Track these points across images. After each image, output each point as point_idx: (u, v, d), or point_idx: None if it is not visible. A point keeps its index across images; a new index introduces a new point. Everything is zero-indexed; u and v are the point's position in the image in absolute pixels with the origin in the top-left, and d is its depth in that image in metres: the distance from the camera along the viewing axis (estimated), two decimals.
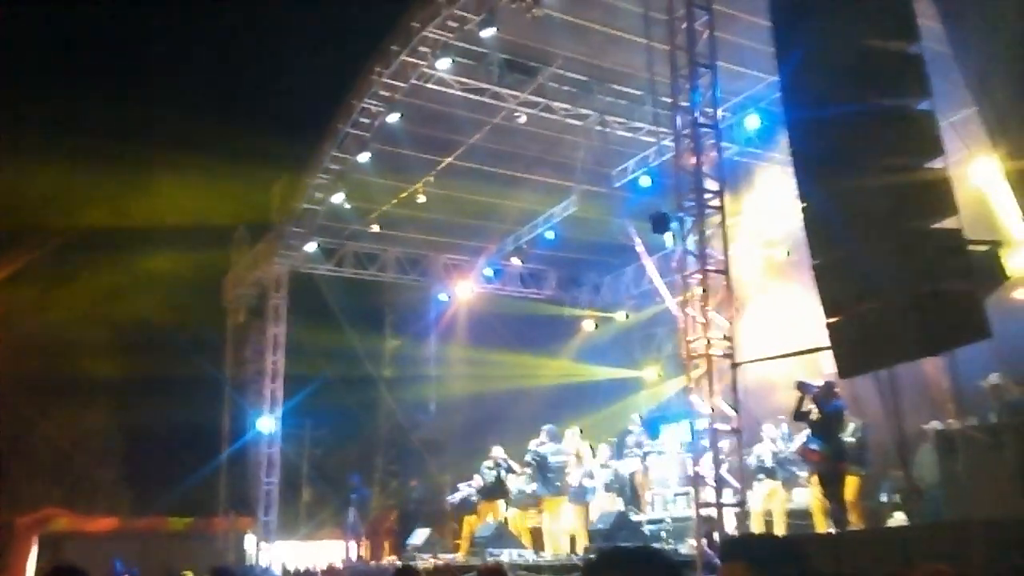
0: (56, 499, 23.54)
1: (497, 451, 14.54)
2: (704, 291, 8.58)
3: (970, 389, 10.37)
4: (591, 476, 13.60)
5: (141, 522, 22.74)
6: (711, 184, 9.07)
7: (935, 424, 10.69)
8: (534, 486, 13.80)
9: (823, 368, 13.40)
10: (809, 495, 11.26)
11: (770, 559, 2.12)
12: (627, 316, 20.10)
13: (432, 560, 13.14)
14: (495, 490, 14.42)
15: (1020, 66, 7.90)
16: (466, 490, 15.40)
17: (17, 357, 22.89)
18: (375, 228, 17.93)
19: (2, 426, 23.14)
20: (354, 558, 17.53)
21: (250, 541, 19.50)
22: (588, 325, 20.70)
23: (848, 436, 9.98)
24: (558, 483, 13.50)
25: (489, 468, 14.49)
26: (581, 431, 14.41)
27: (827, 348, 7.19)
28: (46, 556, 20.85)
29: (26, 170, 21.83)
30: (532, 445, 13.74)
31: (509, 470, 14.34)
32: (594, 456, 14.02)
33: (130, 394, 23.58)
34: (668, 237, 9.46)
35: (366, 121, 15.43)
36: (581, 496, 13.44)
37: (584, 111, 14.97)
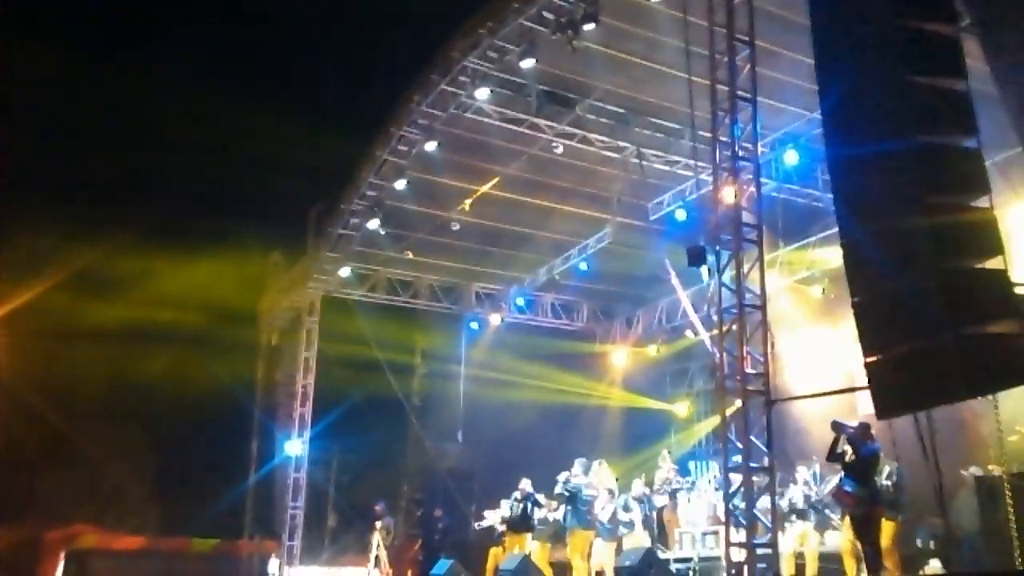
0: (86, 515, 23.68)
1: (525, 484, 14.38)
2: (741, 327, 8.47)
3: (1011, 435, 10.14)
4: (627, 509, 13.38)
5: (167, 542, 22.78)
6: (749, 218, 8.98)
7: (974, 470, 10.46)
8: (560, 518, 13.64)
9: (859, 409, 13.31)
10: (841, 539, 11.03)
11: None
12: (658, 350, 19.93)
13: None
14: (521, 523, 14.24)
15: None
16: (492, 517, 15.23)
17: (52, 371, 23.20)
18: (409, 255, 17.99)
19: (36, 440, 23.40)
20: None
21: (274, 565, 19.45)
22: (619, 358, 20.54)
23: (883, 479, 9.76)
24: (588, 517, 13.30)
25: (517, 501, 14.33)
26: (607, 464, 14.18)
27: (865, 388, 7.04)
28: (71, 572, 20.96)
29: (53, 183, 22.19)
30: (562, 477, 13.56)
31: (536, 504, 14.17)
32: (618, 491, 13.77)
33: (163, 412, 23.73)
34: (704, 271, 9.36)
35: (404, 149, 15.54)
36: (614, 531, 13.21)
37: (621, 143, 15.00)
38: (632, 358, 20.46)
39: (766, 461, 8.43)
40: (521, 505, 14.21)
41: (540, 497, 14.19)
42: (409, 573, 19.64)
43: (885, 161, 7.02)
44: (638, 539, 13.31)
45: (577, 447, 17.08)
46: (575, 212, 17.10)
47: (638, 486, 13.89)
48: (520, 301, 20.40)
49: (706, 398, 19.58)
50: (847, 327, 14.63)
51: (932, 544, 11.07)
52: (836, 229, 15.21)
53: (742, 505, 8.43)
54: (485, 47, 13.23)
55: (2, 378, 20.74)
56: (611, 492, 13.55)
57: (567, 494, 13.33)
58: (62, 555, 21.57)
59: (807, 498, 11.40)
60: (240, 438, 21.89)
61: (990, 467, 9.65)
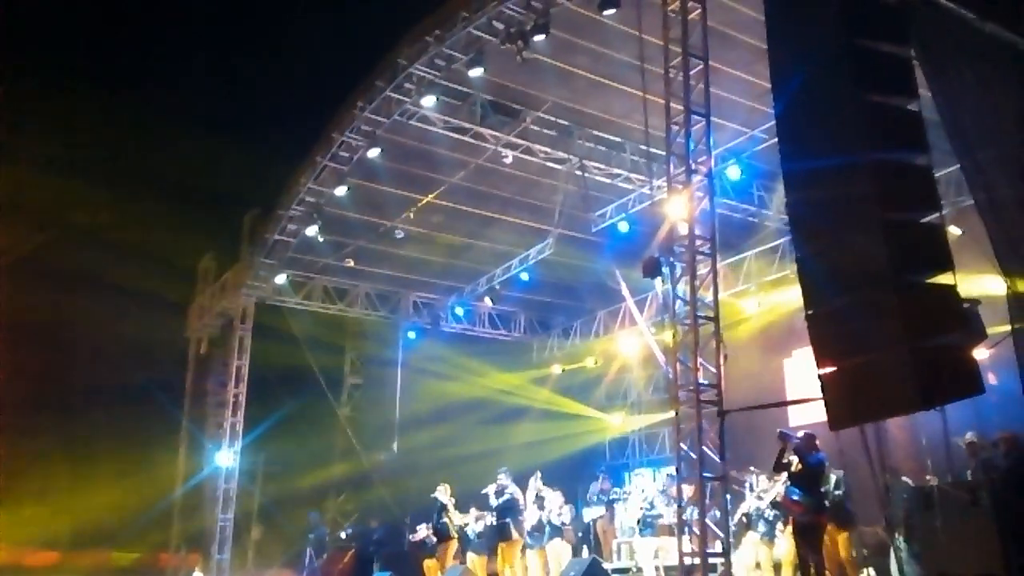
0: None
1: (439, 491, 14.33)
2: (695, 338, 8.57)
3: (942, 447, 10.49)
4: (559, 518, 13.34)
5: (83, 556, 21.96)
6: (701, 231, 9.12)
7: (906, 480, 10.76)
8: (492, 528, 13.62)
9: (791, 421, 13.62)
10: (783, 548, 11.22)
11: None
12: (596, 362, 20.06)
13: None
14: (441, 531, 14.21)
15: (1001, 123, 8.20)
16: (424, 531, 15.12)
17: None
18: (350, 263, 17.73)
19: None
20: None
21: None
22: (556, 369, 20.62)
23: (832, 488, 9.97)
24: (517, 528, 13.25)
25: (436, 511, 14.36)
26: (541, 475, 14.14)
27: (818, 399, 7.17)
28: None
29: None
30: (492, 488, 13.49)
31: (443, 509, 14.15)
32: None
33: (78, 422, 22.87)
34: (658, 283, 9.46)
35: (346, 155, 15.34)
36: (539, 540, 13.16)
37: (564, 155, 15.05)
38: (568, 369, 20.54)
39: (720, 471, 8.49)
40: (434, 513, 14.34)
41: (448, 502, 14.20)
42: None
43: (839, 176, 7.18)
44: (564, 548, 13.24)
45: (513, 456, 17.07)
46: (517, 223, 17.12)
47: (557, 498, 13.57)
48: (459, 311, 20.33)
49: (640, 409, 19.80)
50: (783, 340, 15.17)
51: (865, 552, 11.34)
52: (771, 244, 15.78)
53: (695, 515, 8.52)
54: (432, 55, 13.16)
55: None
56: (540, 501, 13.49)
57: (502, 505, 13.29)
58: None
59: (755, 508, 11.55)
60: (166, 447, 21.27)
61: (928, 477, 9.95)
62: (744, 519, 11.65)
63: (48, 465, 24.42)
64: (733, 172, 14.42)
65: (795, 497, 9.43)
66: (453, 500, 14.20)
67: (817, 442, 9.54)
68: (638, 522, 13.78)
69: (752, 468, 12.13)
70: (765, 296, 16.12)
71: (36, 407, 23.21)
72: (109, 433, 22.49)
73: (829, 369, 7.01)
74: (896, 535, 9.31)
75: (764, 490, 11.46)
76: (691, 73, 9.49)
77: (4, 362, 22.40)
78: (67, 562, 21.64)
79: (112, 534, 22.14)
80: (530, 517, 13.26)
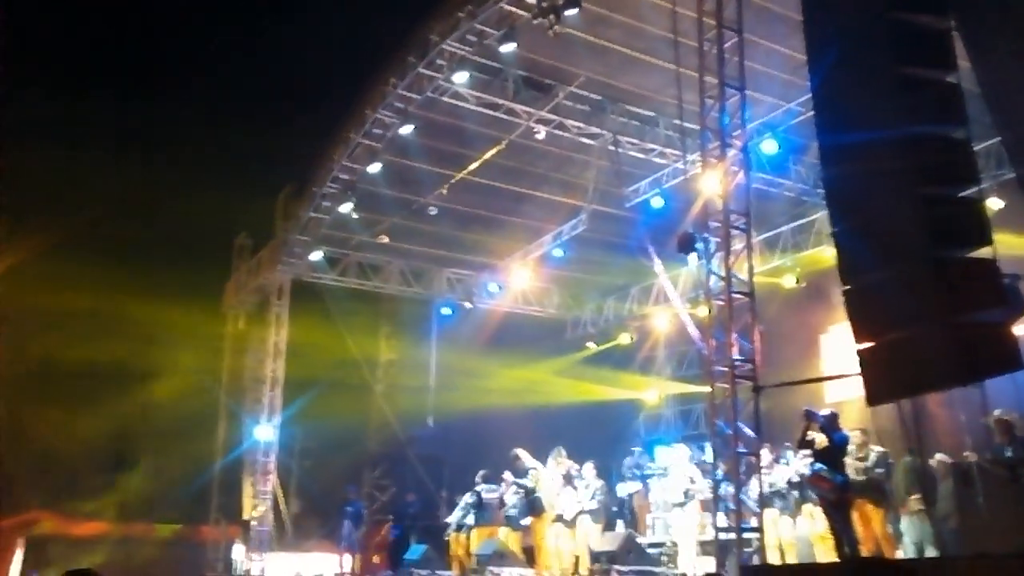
0: (42, 502, 23.26)
1: (479, 478, 14.88)
2: (729, 313, 8.54)
3: (981, 424, 10.37)
4: (587, 491, 13.42)
5: (127, 528, 22.47)
6: (736, 206, 9.06)
7: (942, 457, 10.67)
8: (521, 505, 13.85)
9: (826, 397, 13.54)
10: (812, 524, 11.20)
11: None
12: (631, 338, 20.04)
13: None
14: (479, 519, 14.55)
15: None
16: (459, 512, 15.27)
17: (11, 355, 22.66)
18: (384, 239, 17.80)
19: None
20: (348, 571, 17.35)
21: (239, 551, 19.28)
22: (590, 346, 20.63)
23: (872, 465, 9.93)
24: (541, 505, 13.34)
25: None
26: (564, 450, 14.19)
27: (856, 374, 7.14)
28: (31, 559, 20.61)
29: (25, 165, 21.64)
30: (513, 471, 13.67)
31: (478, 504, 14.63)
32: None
33: (121, 399, 23.33)
34: (692, 258, 9.42)
35: (379, 132, 15.37)
36: (576, 515, 13.25)
37: (597, 130, 14.97)
38: (603, 345, 20.55)
39: (755, 447, 8.49)
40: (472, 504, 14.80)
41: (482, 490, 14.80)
42: (376, 558, 19.59)
43: (876, 150, 7.09)
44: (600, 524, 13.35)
45: (547, 432, 17.17)
46: (549, 198, 17.09)
47: (590, 470, 13.72)
48: (493, 287, 20.36)
49: (675, 385, 19.79)
50: (820, 316, 15.05)
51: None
52: (807, 219, 15.63)
53: (730, 490, 8.54)
54: (464, 30, 13.10)
55: None
56: (566, 478, 13.59)
57: (530, 483, 13.42)
58: (21, 542, 21.21)
59: (772, 484, 11.49)
60: (205, 422, 21.65)
61: (965, 454, 9.86)
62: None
63: (92, 443, 25.00)
64: (768, 146, 14.23)
65: (824, 474, 9.42)
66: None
67: (840, 420, 9.52)
68: (684, 495, 13.74)
69: (787, 444, 12.08)
70: (801, 271, 15.97)
71: (75, 388, 23.72)
72: (150, 407, 22.97)
73: (867, 344, 6.97)
74: (935, 512, 9.27)
75: (769, 464, 11.32)
76: (725, 46, 9.41)
77: (41, 345, 22.91)
78: (112, 533, 22.13)
79: (154, 507, 22.65)
80: (556, 492, 13.35)
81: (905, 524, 10.44)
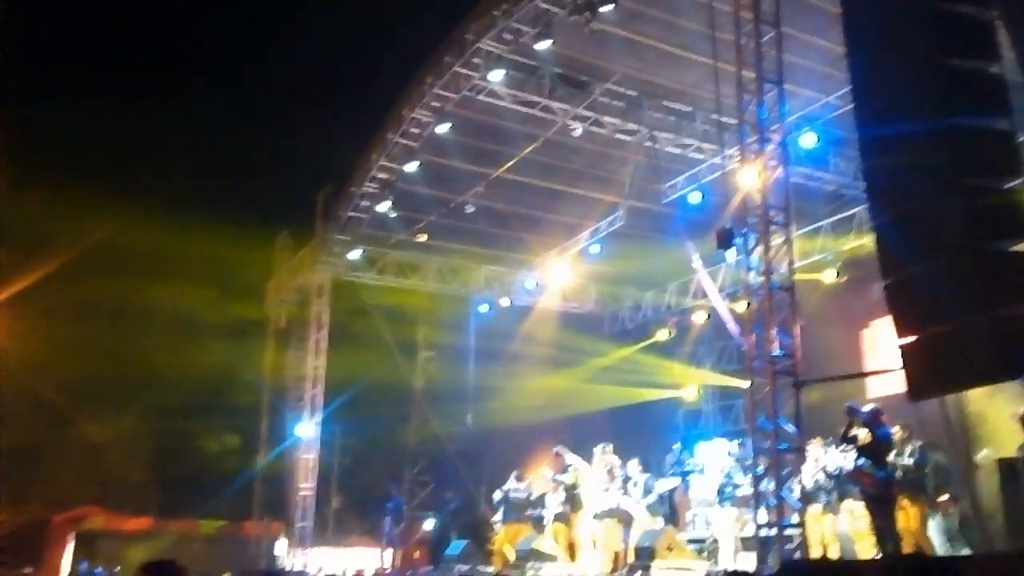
0: (89, 497, 23.78)
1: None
2: (769, 308, 8.51)
3: None
4: (635, 489, 13.47)
5: (173, 523, 22.89)
6: (775, 201, 9.01)
7: (987, 453, 10.52)
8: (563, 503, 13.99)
9: (868, 392, 13.40)
10: (849, 520, 11.11)
11: None
12: (669, 334, 19.99)
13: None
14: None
15: None
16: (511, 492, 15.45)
17: (55, 354, 23.17)
18: (422, 238, 17.92)
19: (39, 422, 23.41)
20: (388, 566, 17.53)
21: (281, 546, 19.54)
22: (627, 341, 20.60)
23: (906, 459, 9.83)
24: (580, 501, 13.42)
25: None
26: (610, 447, 14.24)
27: (897, 369, 7.08)
28: (80, 553, 21.09)
29: (61, 166, 22.13)
30: (556, 467, 13.74)
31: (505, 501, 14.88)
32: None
33: (166, 396, 23.76)
34: (731, 253, 9.39)
35: (416, 131, 15.52)
36: (618, 511, 13.28)
37: (633, 126, 14.94)
38: (642, 342, 20.50)
39: (795, 443, 8.44)
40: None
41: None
42: (417, 553, 19.76)
43: (918, 142, 7.02)
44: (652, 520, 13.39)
45: (586, 430, 17.20)
46: (586, 195, 17.10)
47: (635, 467, 13.88)
48: (530, 284, 20.40)
49: (714, 380, 19.69)
50: (861, 310, 14.88)
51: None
52: (847, 213, 15.46)
53: (771, 487, 8.51)
54: (500, 29, 13.17)
55: (5, 361, 20.72)
56: (610, 474, 13.63)
57: (569, 480, 13.48)
58: (71, 537, 21.70)
59: (816, 480, 11.42)
60: (249, 420, 21.99)
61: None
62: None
63: (138, 439, 25.50)
64: (807, 140, 14.10)
65: (867, 470, 9.34)
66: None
67: (884, 416, 9.42)
68: (719, 492, 13.76)
69: (830, 438, 11.98)
70: (841, 265, 15.81)
71: (122, 386, 24.21)
72: (194, 407, 23.37)
73: (909, 339, 6.90)
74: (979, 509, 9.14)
75: (816, 459, 11.31)
76: (763, 40, 9.35)
77: (90, 344, 23.40)
78: (158, 528, 22.56)
79: (195, 503, 23.05)
80: (600, 488, 13.39)
81: (932, 524, 10.32)
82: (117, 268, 22.93)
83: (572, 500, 13.46)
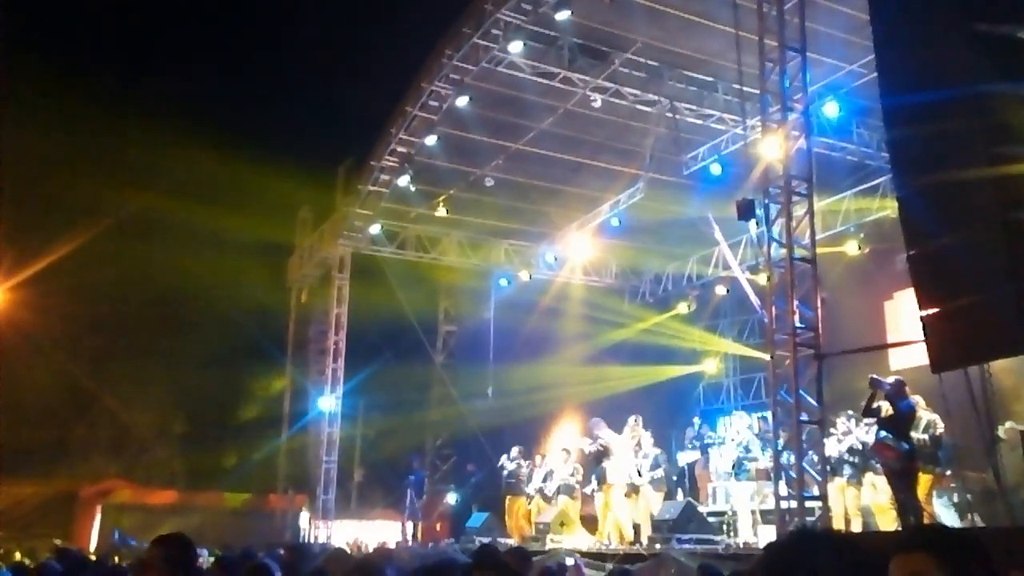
0: (115, 471, 24.15)
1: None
2: (791, 280, 8.41)
3: None
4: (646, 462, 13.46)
5: (199, 497, 23.21)
6: (797, 172, 8.88)
7: (1011, 425, 10.41)
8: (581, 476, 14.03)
9: (891, 365, 13.28)
10: (876, 493, 11.05)
11: (955, 552, 1.92)
12: (689, 307, 19.89)
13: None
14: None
15: None
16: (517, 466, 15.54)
17: (81, 330, 23.47)
18: (442, 212, 17.85)
19: (65, 397, 23.77)
20: (410, 539, 17.68)
21: (305, 518, 19.74)
22: (647, 314, 20.51)
23: (920, 432, 9.75)
24: (604, 474, 13.42)
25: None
26: (640, 419, 14.23)
27: (920, 341, 6.99)
28: (108, 525, 21.42)
29: (93, 145, 22.26)
30: (593, 433, 13.69)
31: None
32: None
33: (191, 370, 24.01)
34: (752, 225, 9.28)
35: (435, 104, 15.40)
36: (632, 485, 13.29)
37: (654, 97, 14.75)
38: (661, 314, 20.41)
39: (817, 416, 8.38)
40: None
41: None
42: (439, 526, 19.92)
43: (944, 110, 6.88)
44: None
45: (606, 402, 17.20)
46: (607, 167, 16.95)
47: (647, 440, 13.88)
48: (550, 257, 20.32)
49: (734, 355, 19.61)
50: (884, 282, 14.72)
51: (970, 498, 11.05)
52: (870, 184, 15.25)
53: (792, 460, 8.46)
54: None
55: (33, 337, 20.99)
56: (639, 446, 13.62)
57: (599, 449, 13.45)
58: (98, 509, 22.05)
59: (851, 449, 11.36)
60: (271, 394, 22.20)
61: None
62: (828, 465, 11.47)
63: (163, 412, 25.82)
64: (831, 109, 13.87)
65: (889, 443, 9.26)
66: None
67: (907, 388, 9.32)
68: (733, 466, 13.76)
69: (851, 412, 11.91)
70: (864, 237, 15.63)
71: (148, 358, 24.48)
72: (219, 378, 23.60)
73: (932, 310, 6.82)
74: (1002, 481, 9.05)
75: (845, 432, 11.25)
76: (786, 7, 9.18)
77: (116, 317, 23.65)
78: (184, 502, 22.88)
79: (220, 476, 23.35)
80: (627, 461, 13.38)
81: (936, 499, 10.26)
82: (139, 248, 23.13)
83: (597, 473, 13.44)
